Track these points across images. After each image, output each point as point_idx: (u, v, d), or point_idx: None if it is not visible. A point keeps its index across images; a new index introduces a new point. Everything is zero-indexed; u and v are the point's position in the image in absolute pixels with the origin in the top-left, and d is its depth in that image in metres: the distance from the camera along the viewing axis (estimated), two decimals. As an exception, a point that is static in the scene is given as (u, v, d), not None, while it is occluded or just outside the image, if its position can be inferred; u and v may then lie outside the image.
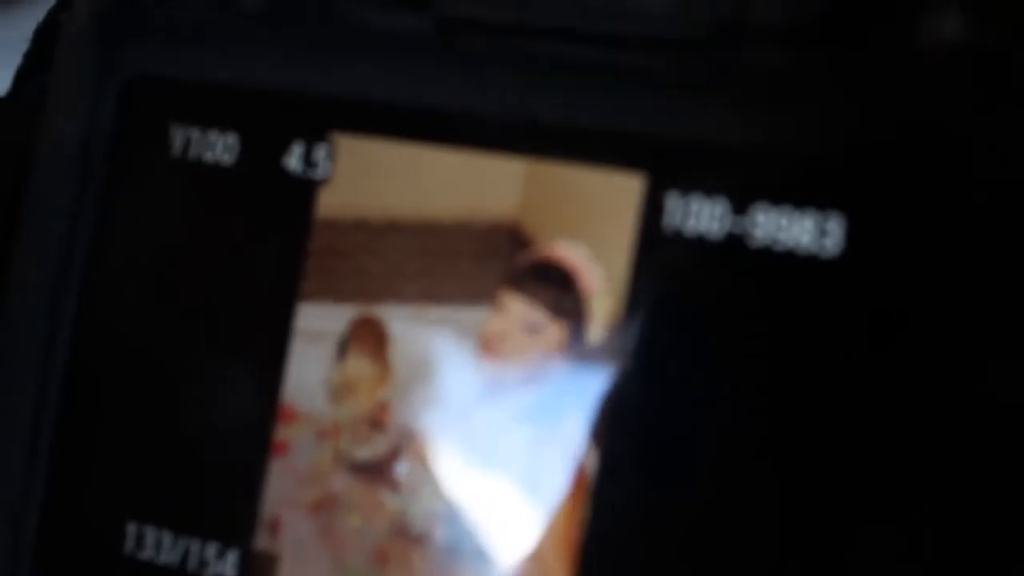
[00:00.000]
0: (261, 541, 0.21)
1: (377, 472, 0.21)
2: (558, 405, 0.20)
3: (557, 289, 0.20)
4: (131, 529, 0.22)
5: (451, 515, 0.20)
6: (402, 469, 0.20)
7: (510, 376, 0.20)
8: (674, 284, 0.19)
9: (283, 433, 0.21)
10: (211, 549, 0.22)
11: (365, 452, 0.21)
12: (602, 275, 0.20)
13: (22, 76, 0.27)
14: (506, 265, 0.20)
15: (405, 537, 0.20)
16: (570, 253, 0.20)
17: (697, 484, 0.19)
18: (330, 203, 0.21)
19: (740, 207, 0.19)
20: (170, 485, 0.22)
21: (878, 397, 0.18)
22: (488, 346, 0.20)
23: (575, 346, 0.20)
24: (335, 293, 0.21)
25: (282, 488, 0.21)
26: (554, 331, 0.20)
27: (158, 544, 0.22)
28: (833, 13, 0.18)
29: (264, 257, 0.22)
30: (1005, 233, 0.18)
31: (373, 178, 0.21)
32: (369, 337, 0.21)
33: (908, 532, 0.18)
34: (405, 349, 0.21)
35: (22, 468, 0.23)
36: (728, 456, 0.19)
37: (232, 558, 0.21)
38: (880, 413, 0.18)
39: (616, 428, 0.19)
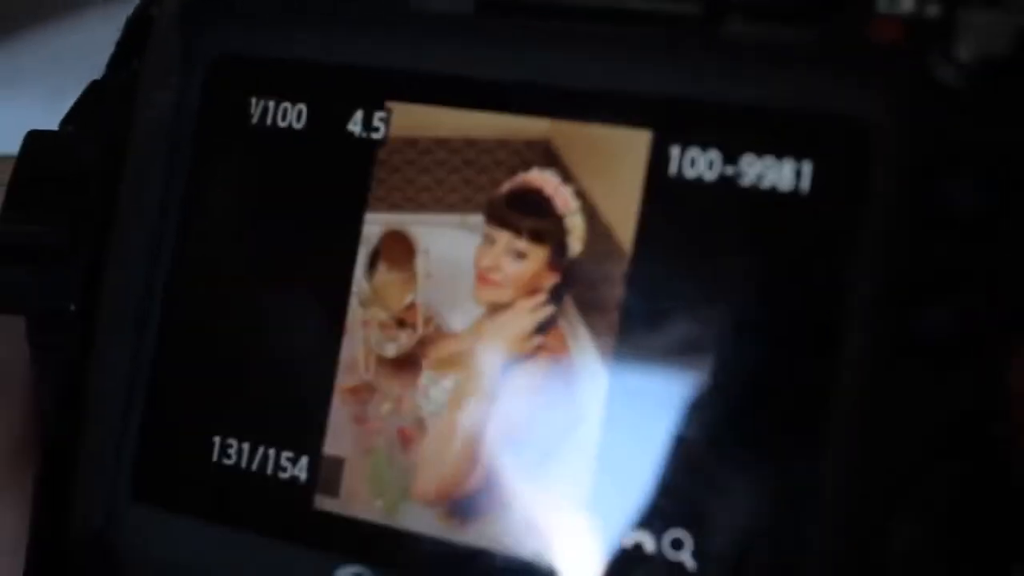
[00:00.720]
0: (329, 447, 0.25)
1: (404, 364, 0.24)
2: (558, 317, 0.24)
3: (535, 216, 0.24)
4: (217, 440, 0.26)
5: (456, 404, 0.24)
6: (425, 361, 0.24)
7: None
8: (677, 218, 0.23)
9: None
10: (286, 456, 0.25)
11: (391, 348, 0.24)
12: (572, 195, 0.24)
13: (115, 63, 0.31)
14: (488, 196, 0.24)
15: (420, 421, 0.24)
16: (543, 179, 0.24)
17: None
18: (387, 165, 0.25)
19: (731, 157, 0.23)
20: (251, 405, 0.26)
21: (834, 305, 0.22)
22: (483, 277, 0.24)
23: (558, 262, 0.24)
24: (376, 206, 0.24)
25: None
26: (538, 253, 0.24)
27: (240, 453, 0.26)
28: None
29: (330, 209, 0.26)
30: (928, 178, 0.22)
31: (421, 141, 0.25)
32: (398, 247, 0.25)
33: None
34: (432, 255, 0.24)
35: (125, 391, 0.27)
36: (721, 359, 0.23)
37: (304, 462, 0.25)
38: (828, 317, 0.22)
39: (624, 333, 0.23)
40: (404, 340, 0.24)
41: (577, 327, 0.23)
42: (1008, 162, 0.21)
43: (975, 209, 0.21)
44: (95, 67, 0.31)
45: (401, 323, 0.24)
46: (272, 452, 0.25)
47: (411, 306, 0.24)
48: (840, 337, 0.22)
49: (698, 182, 0.23)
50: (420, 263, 0.24)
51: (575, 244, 0.24)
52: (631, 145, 0.24)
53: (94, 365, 0.27)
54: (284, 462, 0.25)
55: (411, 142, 0.24)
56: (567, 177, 0.24)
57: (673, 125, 0.23)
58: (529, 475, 0.23)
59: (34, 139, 0.29)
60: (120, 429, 0.26)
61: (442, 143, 0.24)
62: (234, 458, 0.26)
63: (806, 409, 0.22)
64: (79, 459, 0.27)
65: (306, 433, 0.25)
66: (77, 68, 0.29)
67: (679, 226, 0.23)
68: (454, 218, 0.24)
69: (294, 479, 0.25)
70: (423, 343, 0.24)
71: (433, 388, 0.24)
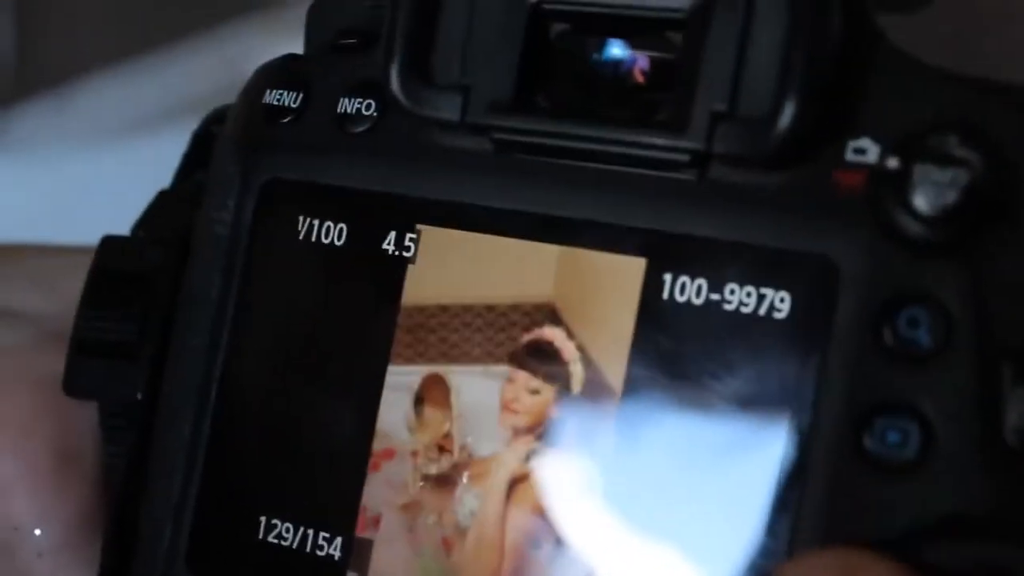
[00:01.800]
0: (360, 530, 0.28)
1: (444, 483, 0.28)
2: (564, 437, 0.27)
3: (547, 362, 0.28)
4: (263, 520, 0.29)
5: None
6: (460, 480, 0.28)
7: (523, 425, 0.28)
8: (668, 336, 0.26)
9: (378, 455, 0.28)
10: (323, 536, 0.29)
11: (434, 468, 0.28)
12: (574, 349, 0.27)
13: (180, 174, 0.34)
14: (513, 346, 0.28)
15: (460, 530, 0.27)
16: (553, 335, 0.28)
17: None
18: (416, 278, 0.29)
19: (715, 285, 0.26)
20: (293, 489, 0.29)
21: (804, 419, 0.25)
22: (506, 406, 0.28)
23: (564, 397, 0.27)
24: (414, 357, 0.29)
25: (381, 494, 0.28)
26: (548, 390, 0.27)
27: (283, 532, 0.29)
28: (775, 148, 0.25)
29: (366, 316, 0.29)
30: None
31: (448, 258, 0.28)
32: (436, 389, 0.28)
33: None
34: (463, 396, 0.28)
35: (184, 472, 0.30)
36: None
37: (339, 542, 0.29)
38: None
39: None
40: (444, 463, 0.28)
41: (568, 453, 0.27)
42: (961, 301, 0.24)
43: (926, 342, 0.24)
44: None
45: (441, 449, 0.28)
46: (311, 533, 0.29)
47: (448, 435, 0.28)
48: (807, 450, 0.25)
49: (687, 305, 0.26)
50: (454, 402, 0.28)
51: (576, 385, 0.27)
52: (628, 271, 0.27)
53: (156, 447, 0.31)
54: (321, 541, 0.29)
55: (443, 308, 0.28)
56: (570, 334, 0.27)
57: (665, 255, 0.26)
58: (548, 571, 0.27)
59: (108, 243, 0.32)
60: (179, 506, 0.30)
61: (467, 308, 0.28)
62: (277, 536, 0.29)
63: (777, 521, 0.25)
64: (141, 531, 0.31)
65: (341, 516, 0.29)
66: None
67: (669, 343, 0.26)
68: (480, 368, 0.28)
69: (330, 558, 0.29)
70: (457, 466, 0.28)
71: (467, 500, 0.28)
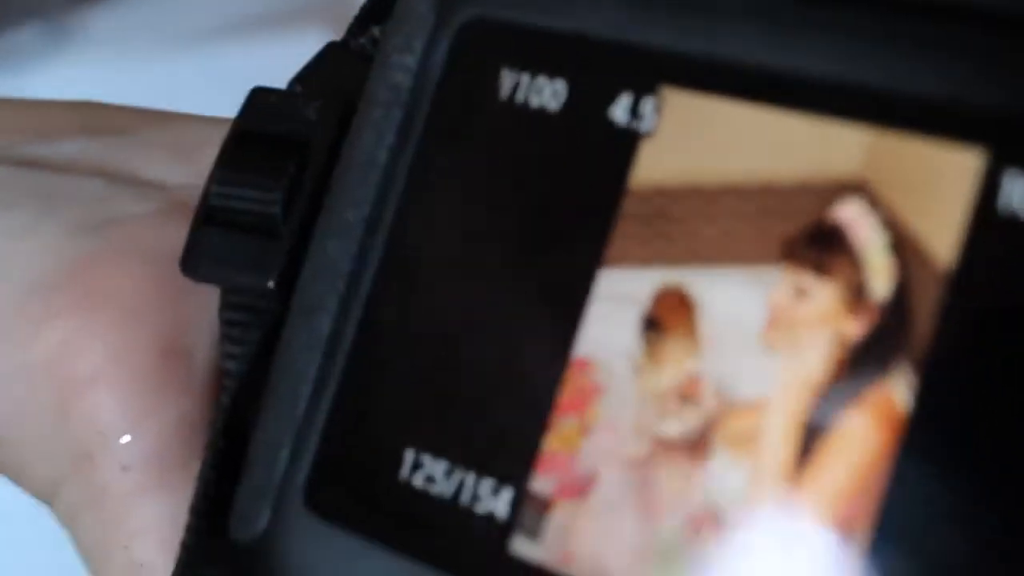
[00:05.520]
0: (536, 484, 0.21)
1: (689, 446, 0.20)
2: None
3: (820, 249, 0.20)
4: (409, 455, 0.22)
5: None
6: (715, 445, 0.20)
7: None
8: (1005, 271, 0.19)
9: (583, 391, 0.21)
10: (486, 485, 0.22)
11: (674, 426, 0.20)
12: (876, 225, 0.19)
13: (356, 27, 0.28)
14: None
15: (716, 515, 0.20)
16: (841, 210, 0.20)
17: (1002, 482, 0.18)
18: (653, 159, 0.21)
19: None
20: (453, 418, 0.22)
21: None
22: (770, 322, 0.20)
23: (856, 304, 0.19)
24: (643, 257, 0.21)
25: (597, 445, 0.21)
26: (825, 291, 0.20)
27: (433, 473, 0.22)
28: None
29: (580, 205, 0.22)
30: None
31: (701, 137, 0.21)
32: (676, 306, 0.21)
33: None
34: (717, 316, 0.20)
35: (314, 385, 0.23)
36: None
37: (506, 496, 0.21)
38: None
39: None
40: (688, 417, 0.20)
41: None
42: None
43: None
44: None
45: (684, 397, 0.20)
46: (471, 479, 0.22)
47: (694, 377, 0.20)
48: None
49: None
50: (702, 324, 0.20)
51: (878, 283, 0.19)
52: (955, 167, 0.19)
53: (284, 349, 0.24)
54: (482, 492, 0.22)
55: (693, 190, 0.20)
56: (874, 203, 0.19)
57: (1013, 144, 0.19)
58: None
59: (258, 96, 0.26)
60: (302, 426, 0.23)
61: (731, 191, 0.20)
62: (426, 478, 0.22)
63: None
64: (252, 452, 0.24)
65: (513, 463, 0.21)
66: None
67: (1007, 280, 0.19)
68: (745, 271, 0.20)
69: (490, 515, 0.21)
70: (712, 421, 0.20)
71: (726, 475, 0.20)
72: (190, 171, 0.28)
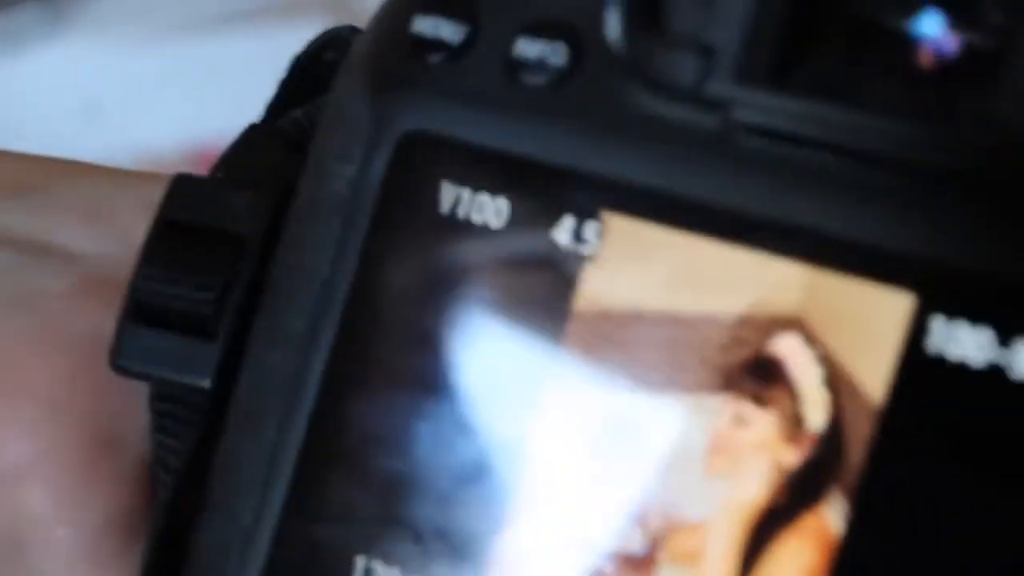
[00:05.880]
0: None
1: (639, 567, 0.22)
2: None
3: (759, 380, 0.21)
4: (360, 562, 0.23)
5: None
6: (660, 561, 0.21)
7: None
8: (932, 407, 0.20)
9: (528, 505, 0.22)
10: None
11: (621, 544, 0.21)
12: (812, 360, 0.21)
13: (276, 108, 0.28)
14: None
15: None
16: (779, 344, 0.21)
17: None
18: (596, 282, 0.22)
19: (1004, 339, 0.20)
20: (403, 526, 0.23)
21: None
22: (711, 450, 0.21)
23: (793, 434, 0.21)
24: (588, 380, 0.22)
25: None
26: (764, 421, 0.21)
27: (384, 580, 0.23)
28: None
29: (521, 323, 0.23)
30: None
31: (644, 264, 0.22)
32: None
33: None
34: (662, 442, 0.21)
35: (259, 491, 0.24)
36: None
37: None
38: None
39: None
40: (635, 538, 0.21)
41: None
42: None
43: None
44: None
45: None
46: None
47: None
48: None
49: (961, 367, 0.20)
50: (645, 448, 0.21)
51: (814, 414, 0.21)
52: (886, 309, 0.21)
53: (226, 452, 0.24)
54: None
55: (635, 315, 0.21)
56: (810, 339, 0.21)
57: (939, 291, 0.20)
58: None
59: (183, 184, 0.26)
60: (249, 532, 0.24)
61: (669, 319, 0.21)
62: (375, 584, 0.23)
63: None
64: (194, 555, 0.24)
65: (465, 573, 0.22)
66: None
67: (934, 415, 0.20)
68: (687, 399, 0.21)
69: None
70: (656, 541, 0.21)
71: None
72: (105, 238, 0.27)
